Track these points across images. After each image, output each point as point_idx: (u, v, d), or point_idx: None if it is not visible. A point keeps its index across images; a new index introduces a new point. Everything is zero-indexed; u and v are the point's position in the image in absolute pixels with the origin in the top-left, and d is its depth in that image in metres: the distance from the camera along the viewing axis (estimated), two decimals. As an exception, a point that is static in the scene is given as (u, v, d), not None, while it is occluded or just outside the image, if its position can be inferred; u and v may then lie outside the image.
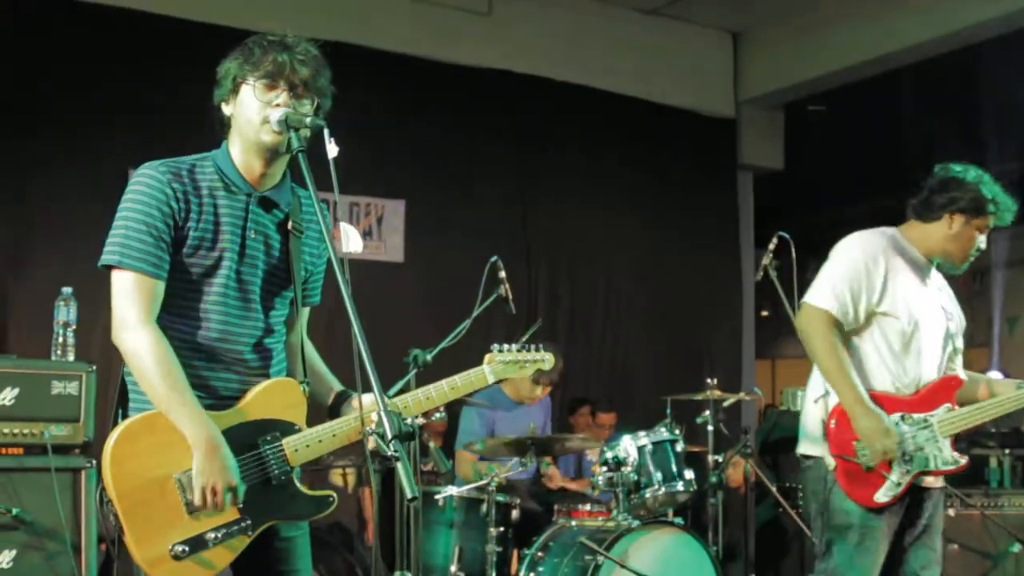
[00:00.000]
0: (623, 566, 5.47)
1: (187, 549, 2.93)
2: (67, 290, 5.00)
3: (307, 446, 3.13)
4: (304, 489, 3.15)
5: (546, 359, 3.68)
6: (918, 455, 4.50)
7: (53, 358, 4.97)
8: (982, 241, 4.72)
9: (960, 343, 4.82)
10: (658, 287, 10.35)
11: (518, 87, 9.68)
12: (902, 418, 4.52)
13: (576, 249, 9.95)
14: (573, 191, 9.90)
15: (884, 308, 4.55)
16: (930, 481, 4.59)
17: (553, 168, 9.87)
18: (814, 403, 4.67)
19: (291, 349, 3.35)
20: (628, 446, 6.08)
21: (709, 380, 6.89)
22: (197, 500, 2.94)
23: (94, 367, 4.83)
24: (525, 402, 6.98)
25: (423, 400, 3.34)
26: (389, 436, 2.56)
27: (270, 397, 3.15)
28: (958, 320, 4.82)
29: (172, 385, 2.97)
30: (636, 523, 5.72)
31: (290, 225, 3.23)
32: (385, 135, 8.76)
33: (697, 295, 10.53)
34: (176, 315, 3.10)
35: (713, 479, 6.48)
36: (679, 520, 5.93)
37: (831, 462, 4.51)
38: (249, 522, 3.02)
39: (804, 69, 10.48)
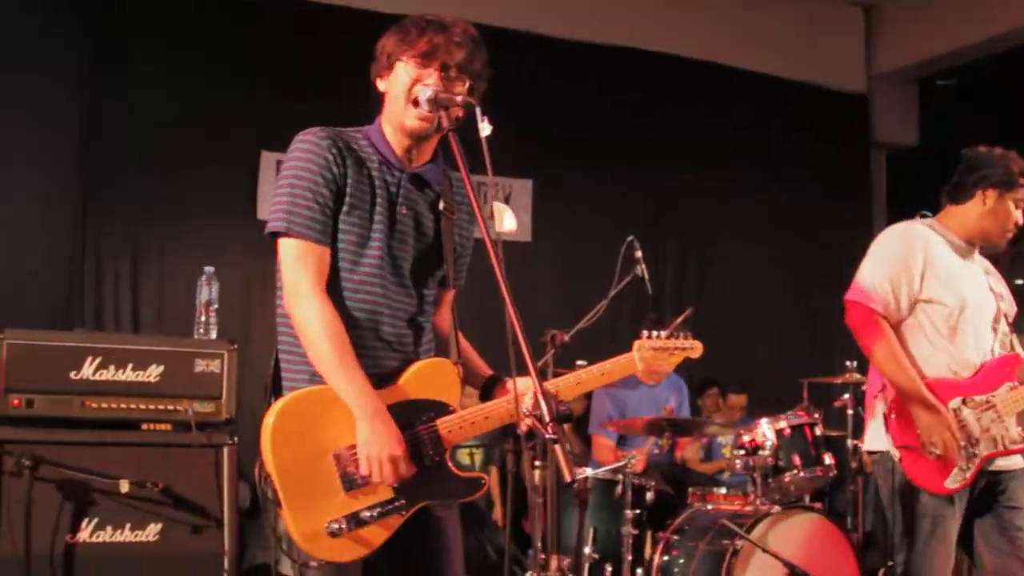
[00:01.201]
0: (764, 550, 5.37)
1: (343, 527, 2.92)
2: (209, 269, 5.07)
3: (460, 427, 3.10)
4: (456, 470, 3.13)
5: (695, 347, 3.60)
6: (984, 438, 4.42)
7: (195, 336, 5.04)
8: (1019, 215, 4.60)
9: (1010, 323, 4.71)
10: (788, 267, 10.20)
11: (646, 65, 9.58)
12: (963, 402, 4.44)
13: (704, 229, 9.84)
14: (702, 169, 9.78)
15: (927, 295, 4.48)
16: (1002, 464, 4.48)
17: (681, 146, 9.77)
18: (874, 399, 4.61)
19: (438, 330, 3.33)
20: (766, 430, 5.97)
21: (848, 363, 6.74)
22: (364, 470, 2.93)
23: (235, 345, 4.89)
24: (654, 381, 6.88)
25: (574, 385, 3.29)
26: (547, 419, 2.52)
27: (425, 377, 3.12)
28: (1009, 300, 4.72)
29: (342, 357, 2.94)
30: (776, 508, 5.63)
31: (442, 205, 3.20)
32: (510, 114, 8.69)
33: (829, 275, 10.26)
34: (331, 290, 3.05)
35: (853, 464, 6.33)
36: (818, 505, 5.80)
37: (896, 454, 4.44)
38: (403, 501, 3.00)
39: (938, 43, 10.21)
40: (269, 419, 2.95)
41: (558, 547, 5.50)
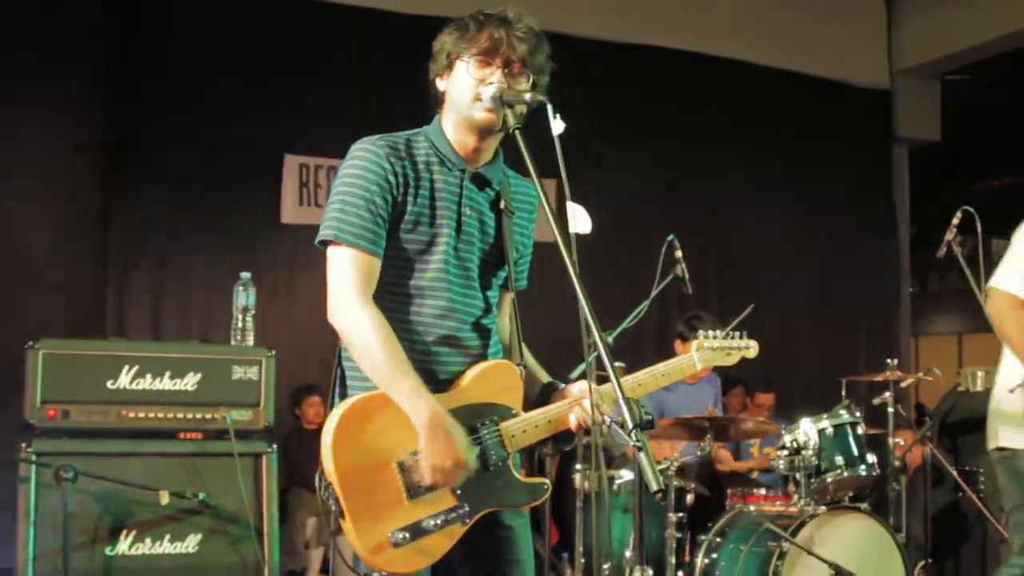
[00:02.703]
0: (810, 553, 5.28)
1: (407, 536, 2.84)
2: (246, 275, 5.00)
3: (523, 431, 3.02)
4: (519, 476, 3.04)
5: (752, 346, 3.55)
6: None
7: (232, 343, 4.96)
8: None
9: None
10: (812, 264, 10.13)
11: (668, 62, 9.52)
12: None
13: (728, 224, 9.74)
14: (724, 166, 9.70)
15: None
16: None
17: (704, 144, 9.68)
18: (1009, 392, 4.44)
19: (500, 332, 3.25)
20: (808, 429, 5.88)
21: (888, 360, 6.66)
22: (428, 479, 2.84)
23: (273, 352, 4.82)
24: (692, 380, 6.80)
25: (635, 386, 3.21)
26: (630, 425, 2.44)
27: (488, 380, 3.04)
28: None
29: (395, 365, 2.87)
30: (822, 508, 5.54)
31: (502, 204, 3.13)
32: (532, 113, 8.65)
33: (852, 271, 10.26)
34: (396, 294, 3.00)
35: (896, 463, 6.24)
36: (864, 506, 5.71)
37: None
38: (467, 509, 2.92)
39: (960, 38, 10.12)
40: (330, 427, 2.86)
41: (599, 552, 5.42)
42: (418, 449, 2.86)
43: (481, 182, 3.11)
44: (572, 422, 3.03)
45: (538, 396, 3.20)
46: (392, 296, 3.00)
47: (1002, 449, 4.47)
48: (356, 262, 2.93)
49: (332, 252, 2.96)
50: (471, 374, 3.04)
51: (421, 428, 2.84)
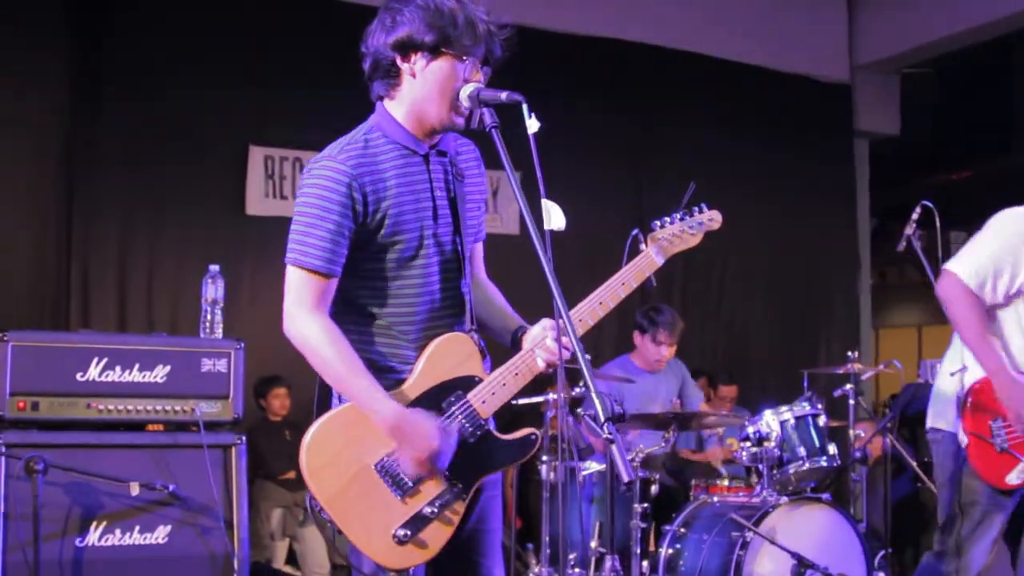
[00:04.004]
0: (773, 543, 5.36)
1: (408, 532, 2.90)
2: (214, 268, 5.00)
3: (493, 394, 3.03)
4: (503, 436, 3.06)
5: (715, 217, 3.43)
6: None
7: (201, 335, 4.97)
8: None
9: None
10: (773, 257, 10.23)
11: (628, 55, 9.58)
12: None
13: (689, 219, 9.80)
14: (686, 159, 9.75)
15: None
16: None
17: (666, 137, 9.76)
18: (950, 376, 4.55)
19: (478, 289, 3.27)
20: (770, 420, 5.96)
21: (849, 353, 6.75)
22: (411, 475, 2.90)
23: (242, 344, 4.82)
24: (655, 369, 6.86)
25: (598, 309, 3.13)
26: (602, 418, 2.49)
27: (442, 356, 3.05)
28: None
29: (349, 370, 2.91)
30: (784, 499, 5.62)
31: (454, 171, 3.13)
32: (499, 107, 8.67)
33: (813, 264, 10.37)
34: (380, 294, 3.04)
35: (857, 454, 6.33)
36: (826, 496, 5.80)
37: (964, 439, 4.42)
38: (460, 486, 2.97)
39: (919, 33, 10.25)
40: (303, 457, 2.91)
41: (565, 542, 5.48)
42: (389, 451, 2.91)
43: (439, 154, 3.11)
44: (540, 365, 3.03)
45: (511, 345, 3.19)
46: (382, 298, 3.04)
47: (936, 430, 4.59)
48: (309, 282, 2.95)
49: (290, 271, 2.99)
50: (423, 358, 3.04)
51: (387, 431, 2.90)
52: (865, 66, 10.79)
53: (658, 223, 3.32)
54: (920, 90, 11.42)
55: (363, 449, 2.93)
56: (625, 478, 2.42)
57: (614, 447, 2.45)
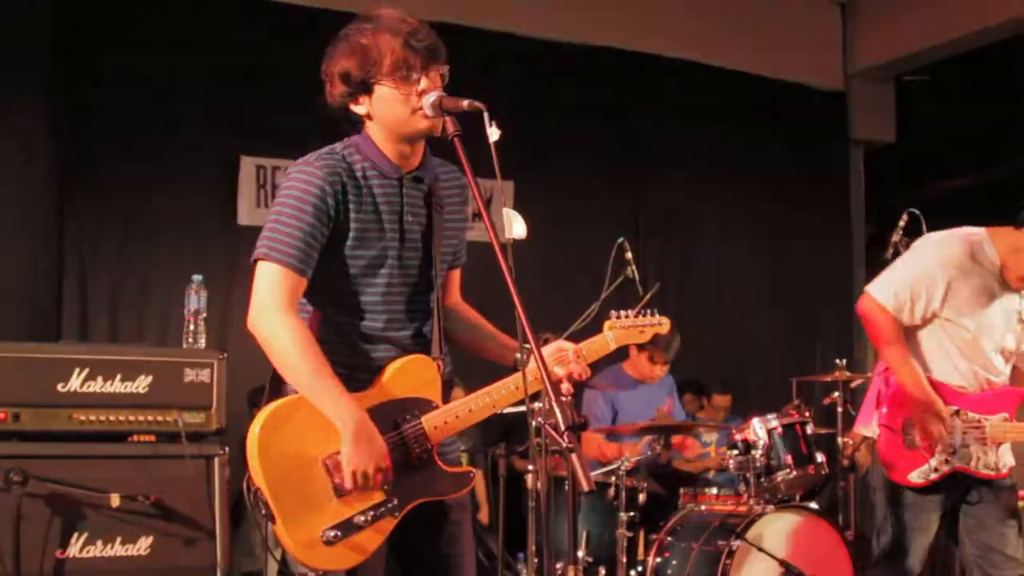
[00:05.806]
0: (760, 549, 5.36)
1: (339, 534, 2.91)
2: (197, 278, 5.00)
3: (445, 423, 3.08)
4: (444, 466, 3.11)
5: (663, 323, 3.63)
6: (961, 451, 4.47)
7: (184, 346, 4.97)
8: None
9: None
10: (769, 266, 10.21)
11: (624, 63, 9.57)
12: (956, 412, 4.49)
13: (685, 227, 9.83)
14: (681, 168, 9.77)
15: (948, 315, 4.49)
16: (986, 473, 4.54)
17: (661, 145, 9.75)
18: (877, 376, 4.70)
19: (456, 314, 3.38)
20: (758, 428, 5.95)
21: (837, 361, 6.75)
22: (348, 484, 2.91)
23: (225, 354, 4.82)
24: (647, 381, 6.88)
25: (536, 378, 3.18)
26: (563, 427, 2.49)
27: (408, 374, 3.10)
28: None
29: (314, 368, 2.93)
30: (770, 507, 5.61)
31: (433, 200, 3.19)
32: (492, 115, 8.66)
33: (809, 273, 10.35)
34: (343, 307, 3.08)
35: (844, 462, 6.33)
36: (813, 504, 5.80)
37: (876, 430, 4.56)
38: (396, 502, 2.99)
39: (914, 40, 10.23)
40: (254, 431, 2.93)
41: (552, 551, 5.47)
42: (339, 450, 2.92)
43: (417, 181, 3.16)
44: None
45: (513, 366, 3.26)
46: (343, 309, 3.08)
47: (870, 438, 4.73)
48: (282, 278, 2.98)
49: (261, 266, 3.02)
50: (390, 370, 3.09)
51: (345, 435, 2.91)
52: (859, 73, 10.77)
53: (615, 313, 3.56)
54: (915, 97, 11.40)
55: (314, 441, 2.95)
56: (584, 487, 2.42)
57: (573, 456, 2.45)
